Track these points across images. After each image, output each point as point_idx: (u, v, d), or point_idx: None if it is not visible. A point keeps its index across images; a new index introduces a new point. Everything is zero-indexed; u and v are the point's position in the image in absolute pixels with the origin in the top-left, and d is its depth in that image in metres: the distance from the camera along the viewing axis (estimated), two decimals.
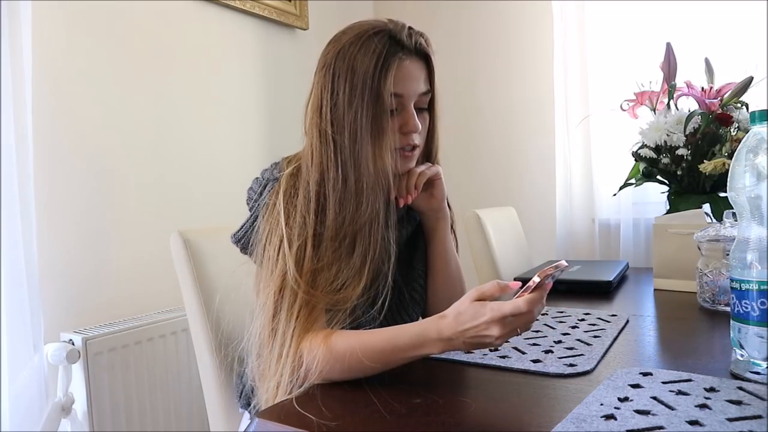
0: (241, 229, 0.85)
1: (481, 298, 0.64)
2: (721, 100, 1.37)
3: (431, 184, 0.92)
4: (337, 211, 0.76)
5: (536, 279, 0.63)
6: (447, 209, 0.97)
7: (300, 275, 0.72)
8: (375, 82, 0.77)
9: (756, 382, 0.62)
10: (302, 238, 0.75)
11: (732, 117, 1.34)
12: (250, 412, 0.89)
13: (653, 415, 0.54)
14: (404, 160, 0.85)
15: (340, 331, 0.72)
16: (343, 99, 0.78)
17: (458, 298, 0.68)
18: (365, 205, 0.77)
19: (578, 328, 0.90)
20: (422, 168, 0.89)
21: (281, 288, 0.73)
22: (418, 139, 0.85)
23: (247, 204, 0.88)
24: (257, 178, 0.87)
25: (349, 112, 0.77)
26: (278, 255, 0.74)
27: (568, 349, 0.78)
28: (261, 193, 0.83)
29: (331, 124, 0.78)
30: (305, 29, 2.14)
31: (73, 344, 1.31)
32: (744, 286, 0.65)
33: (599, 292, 1.21)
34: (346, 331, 0.72)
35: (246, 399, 0.89)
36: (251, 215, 0.84)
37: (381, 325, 0.72)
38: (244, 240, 0.84)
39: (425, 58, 0.84)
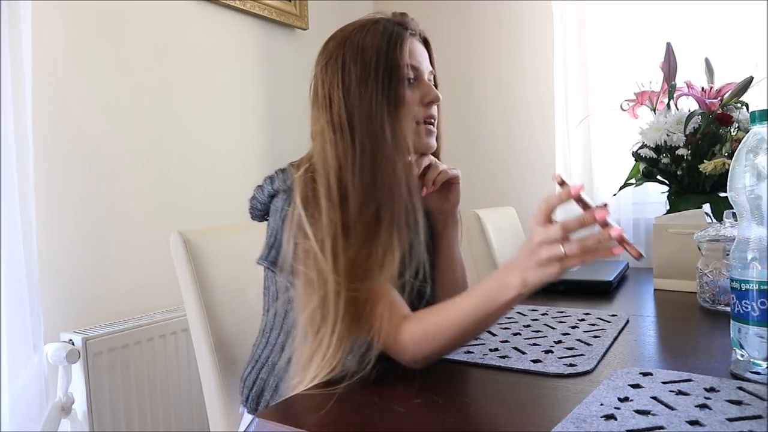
0: (267, 247, 0.81)
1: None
2: (721, 100, 1.37)
3: (449, 187, 0.91)
4: (358, 192, 0.74)
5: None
6: (458, 215, 0.96)
7: (338, 274, 0.69)
8: (390, 54, 0.77)
9: (756, 382, 0.62)
10: (332, 235, 0.71)
11: (732, 117, 1.34)
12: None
13: (653, 415, 0.54)
14: (427, 135, 0.84)
15: (412, 316, 0.71)
16: (355, 80, 0.77)
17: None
18: (383, 177, 0.75)
19: (578, 328, 0.90)
20: (444, 166, 0.88)
21: (324, 296, 0.69)
22: (437, 112, 0.85)
23: (251, 213, 0.86)
24: (261, 186, 0.84)
25: (364, 89, 0.76)
26: (312, 266, 0.71)
27: (568, 349, 0.78)
28: (281, 208, 0.79)
29: (346, 110, 0.77)
30: (305, 29, 2.14)
31: (73, 344, 1.31)
32: (744, 286, 0.65)
33: (599, 292, 1.21)
34: (418, 315, 0.71)
35: (254, 402, 0.88)
36: (272, 231, 0.80)
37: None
38: (271, 257, 0.80)
39: (426, 44, 0.87)
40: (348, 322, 0.69)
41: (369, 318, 0.71)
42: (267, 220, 0.85)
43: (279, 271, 0.79)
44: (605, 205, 0.63)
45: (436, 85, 0.88)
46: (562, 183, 0.63)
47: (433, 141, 0.86)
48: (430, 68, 0.86)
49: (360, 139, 0.75)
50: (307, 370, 0.69)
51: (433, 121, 0.85)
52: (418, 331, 0.69)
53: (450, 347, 0.71)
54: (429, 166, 0.87)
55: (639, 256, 0.61)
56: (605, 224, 0.61)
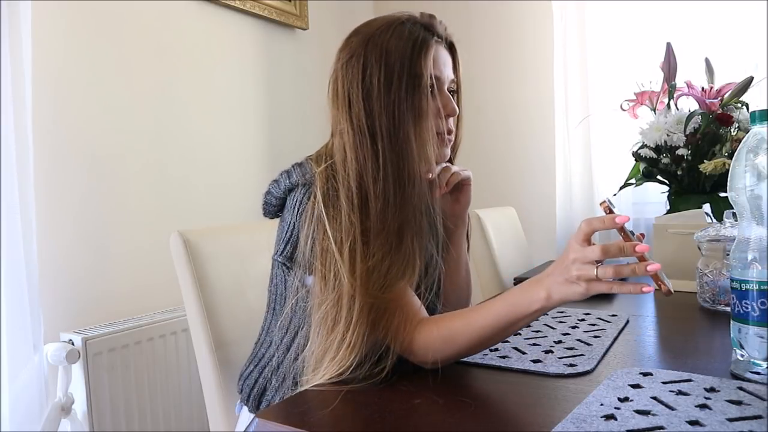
0: (283, 243, 0.79)
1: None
2: (721, 100, 1.37)
3: (460, 189, 0.90)
4: (380, 201, 0.73)
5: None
6: (467, 217, 0.95)
7: (355, 278, 0.69)
8: (413, 62, 0.76)
9: (756, 382, 0.62)
10: (351, 238, 0.71)
11: (732, 117, 1.34)
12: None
13: (653, 415, 0.54)
14: (442, 146, 0.83)
15: (430, 319, 0.71)
16: (377, 85, 0.75)
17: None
18: (409, 191, 0.74)
19: (578, 328, 0.90)
20: (456, 168, 0.87)
21: (339, 298, 0.69)
22: (453, 125, 0.84)
23: (264, 209, 0.84)
24: (277, 181, 0.82)
25: (387, 96, 0.75)
26: (329, 265, 0.71)
27: (568, 349, 0.78)
28: (300, 202, 0.77)
29: (366, 115, 0.75)
30: (305, 29, 2.14)
31: (73, 344, 1.31)
32: (744, 286, 0.65)
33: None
34: (444, 317, 0.71)
35: (256, 401, 0.86)
36: (288, 226, 0.78)
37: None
38: (287, 252, 0.79)
39: (451, 49, 0.85)
40: (363, 329, 0.68)
41: (385, 325, 0.70)
42: (280, 216, 0.84)
43: (295, 268, 0.78)
44: (642, 236, 0.64)
45: (459, 92, 0.87)
46: (610, 211, 0.64)
47: (446, 151, 0.85)
48: (452, 76, 0.84)
49: (383, 148, 0.74)
50: (316, 370, 0.69)
51: (449, 131, 0.84)
52: (436, 335, 0.69)
53: (467, 353, 0.71)
54: (441, 168, 0.86)
55: (668, 293, 0.62)
56: (643, 258, 0.61)
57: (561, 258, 0.64)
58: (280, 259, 0.81)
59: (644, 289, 0.60)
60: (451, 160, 0.92)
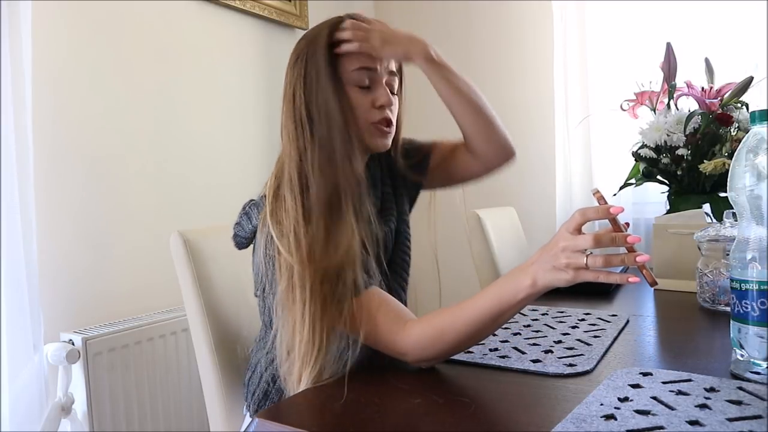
0: (257, 282, 0.84)
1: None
2: (721, 100, 1.37)
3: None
4: (319, 182, 0.77)
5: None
6: (426, 55, 0.87)
7: (300, 255, 0.71)
8: (343, 59, 0.82)
9: (756, 382, 0.62)
10: (293, 222, 0.74)
11: (732, 117, 1.34)
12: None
13: (653, 415, 0.54)
14: (380, 136, 0.86)
15: (419, 318, 0.72)
16: (315, 82, 0.81)
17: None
18: (340, 167, 0.78)
19: (578, 328, 0.90)
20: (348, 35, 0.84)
21: (291, 278, 0.71)
22: (391, 115, 0.87)
23: (237, 246, 0.88)
24: (239, 223, 0.87)
25: (318, 91, 0.80)
26: (282, 259, 0.73)
27: (568, 349, 0.78)
28: (264, 246, 0.80)
29: (306, 107, 0.81)
30: (305, 29, 2.14)
31: (73, 344, 1.31)
32: (744, 286, 0.65)
33: (599, 292, 1.21)
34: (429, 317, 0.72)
35: (256, 405, 0.88)
36: (258, 267, 0.82)
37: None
38: (260, 287, 0.83)
39: None
40: (319, 300, 0.70)
41: (343, 302, 0.71)
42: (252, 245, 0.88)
43: (270, 297, 0.81)
44: (627, 225, 0.65)
45: (401, 80, 0.90)
46: (603, 200, 0.64)
47: (386, 141, 0.87)
48: (391, 67, 0.87)
49: (319, 137, 0.79)
50: (291, 356, 0.71)
51: (385, 123, 0.86)
52: (426, 333, 0.70)
53: (459, 348, 0.72)
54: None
55: (654, 284, 0.63)
56: (633, 249, 0.62)
57: (548, 245, 0.65)
58: (259, 295, 0.85)
59: (630, 280, 0.61)
60: (395, 144, 0.94)
